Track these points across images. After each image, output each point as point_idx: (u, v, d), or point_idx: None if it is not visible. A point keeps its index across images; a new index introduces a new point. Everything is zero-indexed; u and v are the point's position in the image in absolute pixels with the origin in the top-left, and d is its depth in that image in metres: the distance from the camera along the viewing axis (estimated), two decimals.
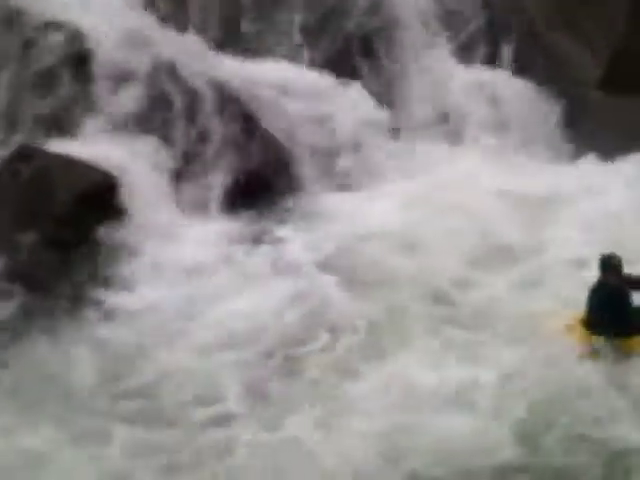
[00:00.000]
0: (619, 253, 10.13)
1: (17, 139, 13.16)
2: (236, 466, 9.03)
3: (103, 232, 12.33)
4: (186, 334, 10.99)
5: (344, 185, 13.76)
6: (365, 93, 14.59)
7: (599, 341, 9.85)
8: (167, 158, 13.20)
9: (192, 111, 13.53)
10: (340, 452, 8.97)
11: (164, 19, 14.42)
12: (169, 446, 9.29)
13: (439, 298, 11.29)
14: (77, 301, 11.58)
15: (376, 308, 11.11)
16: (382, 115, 14.44)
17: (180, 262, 12.14)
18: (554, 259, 11.80)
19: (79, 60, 13.48)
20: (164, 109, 13.48)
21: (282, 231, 12.70)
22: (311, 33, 15.01)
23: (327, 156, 13.94)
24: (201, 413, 9.74)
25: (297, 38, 15.07)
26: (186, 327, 11.11)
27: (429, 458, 8.85)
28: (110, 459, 9.15)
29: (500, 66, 15.28)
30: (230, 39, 14.75)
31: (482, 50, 15.34)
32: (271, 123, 13.78)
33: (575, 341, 9.98)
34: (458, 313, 11.01)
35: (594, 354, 9.81)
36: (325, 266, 11.92)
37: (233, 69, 14.03)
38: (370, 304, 11.16)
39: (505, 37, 15.37)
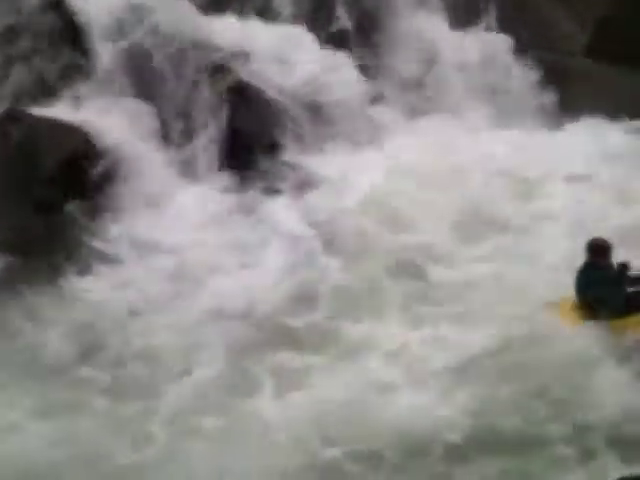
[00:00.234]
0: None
1: (4, 103, 13.11)
2: (209, 437, 8.98)
3: (89, 196, 12.32)
4: (172, 303, 10.97)
5: (329, 149, 13.64)
6: (351, 57, 14.48)
7: (588, 322, 9.80)
8: (154, 121, 13.16)
9: (179, 74, 13.49)
10: (292, 427, 8.91)
11: None
12: (142, 417, 9.26)
13: (416, 272, 11.27)
14: (59, 267, 11.53)
15: (352, 281, 11.13)
16: (367, 80, 14.39)
17: (168, 227, 12.13)
18: (539, 232, 11.85)
19: (67, 25, 13.41)
20: (151, 72, 13.44)
21: (268, 195, 12.73)
22: None
23: (314, 120, 13.85)
24: (178, 383, 9.70)
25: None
26: (172, 295, 11.08)
27: (386, 437, 8.81)
28: (85, 430, 9.09)
29: (486, 32, 15.24)
30: (218, 1, 14.63)
31: (468, 17, 15.24)
32: (258, 86, 13.74)
33: (561, 320, 9.94)
34: (435, 288, 11.01)
35: (581, 332, 9.75)
36: (312, 233, 11.94)
37: (221, 31, 13.95)
38: (347, 276, 11.20)
39: (491, 3, 15.30)
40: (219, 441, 8.82)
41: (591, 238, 10.06)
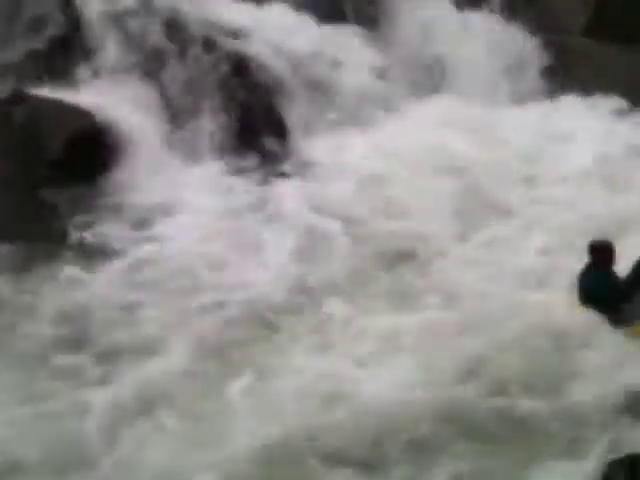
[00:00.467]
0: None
1: (9, 84, 13.12)
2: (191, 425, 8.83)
3: (93, 177, 12.36)
4: (168, 285, 10.84)
5: (332, 130, 13.71)
6: (354, 35, 14.60)
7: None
8: (158, 103, 13.22)
9: (182, 54, 13.54)
10: (266, 418, 8.76)
11: None
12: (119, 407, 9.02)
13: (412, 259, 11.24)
14: (59, 252, 11.47)
15: (347, 268, 11.08)
16: (369, 59, 14.48)
17: (171, 208, 12.12)
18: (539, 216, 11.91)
19: (69, 6, 13.46)
20: (155, 54, 13.49)
21: (272, 178, 12.74)
22: None
23: (317, 99, 13.93)
24: (143, 366, 9.52)
25: None
26: (169, 277, 10.96)
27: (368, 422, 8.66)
28: (56, 418, 8.89)
29: (488, 11, 15.32)
30: None
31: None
32: (262, 66, 13.79)
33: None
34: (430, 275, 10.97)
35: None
36: (314, 217, 11.90)
37: (223, 13, 13.99)
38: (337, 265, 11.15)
39: None
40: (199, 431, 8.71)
41: (592, 240, 9.94)
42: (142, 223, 11.86)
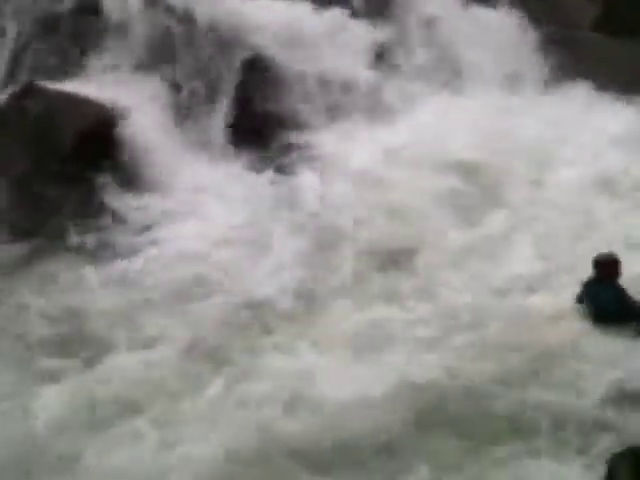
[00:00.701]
0: None
1: (22, 77, 13.28)
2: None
3: (105, 170, 12.45)
4: (170, 286, 10.88)
5: (342, 123, 13.76)
6: (362, 31, 14.64)
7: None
8: (170, 97, 13.32)
9: (193, 49, 13.65)
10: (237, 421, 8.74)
11: None
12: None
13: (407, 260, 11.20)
14: (64, 243, 11.61)
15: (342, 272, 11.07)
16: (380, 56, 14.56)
17: (182, 202, 12.24)
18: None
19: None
20: (168, 49, 13.60)
21: (282, 174, 12.82)
22: None
23: (326, 93, 13.99)
24: (129, 367, 9.53)
25: None
26: (180, 277, 10.97)
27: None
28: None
29: (495, 5, 15.38)
30: None
31: None
32: (271, 61, 13.90)
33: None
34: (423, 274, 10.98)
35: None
36: (322, 213, 12.04)
37: (232, 7, 14.06)
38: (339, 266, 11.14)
39: None
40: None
41: (598, 255, 9.97)
42: (151, 220, 11.96)
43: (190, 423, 8.73)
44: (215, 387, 9.14)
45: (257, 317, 10.28)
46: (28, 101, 12.93)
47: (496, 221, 11.70)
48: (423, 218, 11.78)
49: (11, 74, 13.42)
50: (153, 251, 11.37)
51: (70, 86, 13.02)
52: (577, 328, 9.64)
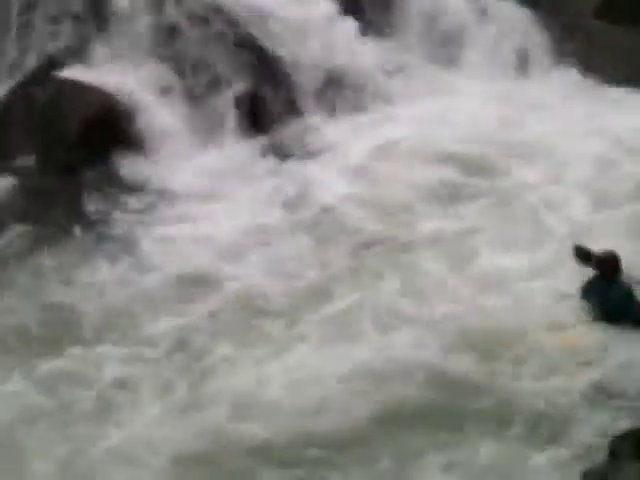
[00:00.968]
0: None
1: (30, 65, 13.42)
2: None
3: (114, 158, 12.65)
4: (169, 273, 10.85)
5: (350, 111, 13.92)
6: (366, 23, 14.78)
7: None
8: (176, 84, 13.44)
9: (203, 37, 13.77)
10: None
11: None
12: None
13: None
14: (69, 231, 11.66)
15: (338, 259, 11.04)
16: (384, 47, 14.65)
17: (191, 191, 12.33)
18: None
19: None
20: (174, 35, 13.71)
21: (286, 161, 12.93)
22: None
23: (332, 87, 14.10)
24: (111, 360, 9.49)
25: None
26: (181, 270, 10.90)
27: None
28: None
29: None
30: None
31: None
32: (276, 48, 14.02)
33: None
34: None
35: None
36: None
37: None
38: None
39: None
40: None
41: (599, 253, 9.72)
42: (156, 207, 12.03)
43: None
44: (182, 389, 9.05)
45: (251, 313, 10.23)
46: (34, 89, 13.15)
47: (495, 214, 11.67)
48: (415, 211, 11.80)
49: (17, 62, 13.50)
50: (157, 242, 11.37)
51: (77, 73, 13.17)
52: (565, 322, 9.57)
